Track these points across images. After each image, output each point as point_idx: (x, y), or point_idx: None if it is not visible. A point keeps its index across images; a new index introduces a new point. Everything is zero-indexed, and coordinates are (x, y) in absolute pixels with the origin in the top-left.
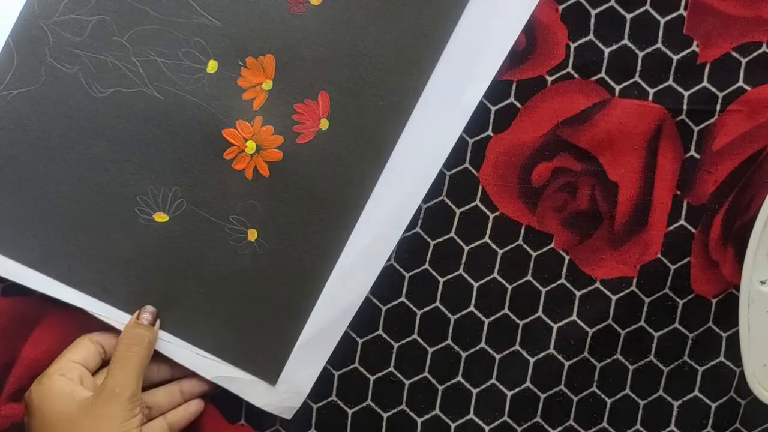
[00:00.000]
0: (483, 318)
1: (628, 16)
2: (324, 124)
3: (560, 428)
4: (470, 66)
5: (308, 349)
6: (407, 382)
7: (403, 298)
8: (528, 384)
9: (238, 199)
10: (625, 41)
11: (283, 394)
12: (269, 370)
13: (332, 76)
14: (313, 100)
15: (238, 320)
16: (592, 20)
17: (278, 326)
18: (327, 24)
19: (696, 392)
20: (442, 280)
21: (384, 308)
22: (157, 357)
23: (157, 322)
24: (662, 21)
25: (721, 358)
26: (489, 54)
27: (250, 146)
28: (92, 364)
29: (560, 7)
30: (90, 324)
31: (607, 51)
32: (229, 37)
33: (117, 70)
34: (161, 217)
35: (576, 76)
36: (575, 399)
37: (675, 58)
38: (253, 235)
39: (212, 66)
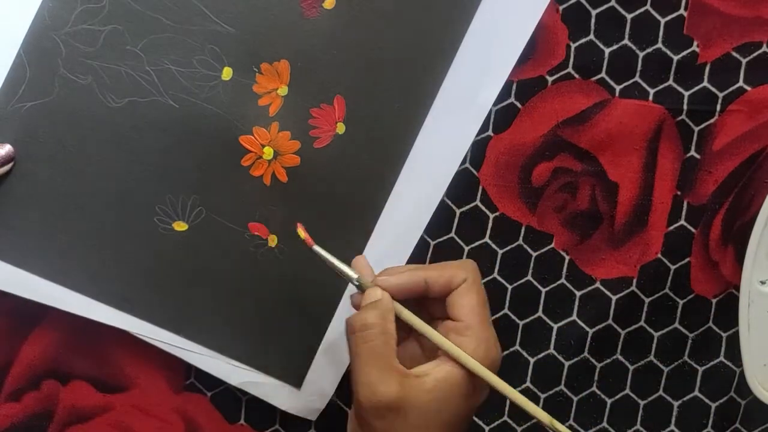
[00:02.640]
0: None
1: (629, 16)
2: (341, 128)
3: None
4: (484, 65)
5: (331, 351)
6: None
7: None
8: (528, 384)
9: (257, 205)
10: (626, 41)
11: (308, 396)
12: (294, 374)
13: (347, 80)
14: (328, 104)
15: (261, 326)
16: (593, 20)
17: (301, 330)
18: (341, 27)
19: (696, 392)
20: None
21: None
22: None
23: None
24: (662, 21)
25: (721, 358)
26: (502, 53)
27: (268, 152)
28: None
29: (561, 8)
30: (90, 324)
31: (607, 51)
32: (243, 44)
33: (131, 79)
34: (181, 226)
35: (576, 76)
36: (575, 399)
37: (675, 58)
38: (273, 240)
39: (227, 73)
